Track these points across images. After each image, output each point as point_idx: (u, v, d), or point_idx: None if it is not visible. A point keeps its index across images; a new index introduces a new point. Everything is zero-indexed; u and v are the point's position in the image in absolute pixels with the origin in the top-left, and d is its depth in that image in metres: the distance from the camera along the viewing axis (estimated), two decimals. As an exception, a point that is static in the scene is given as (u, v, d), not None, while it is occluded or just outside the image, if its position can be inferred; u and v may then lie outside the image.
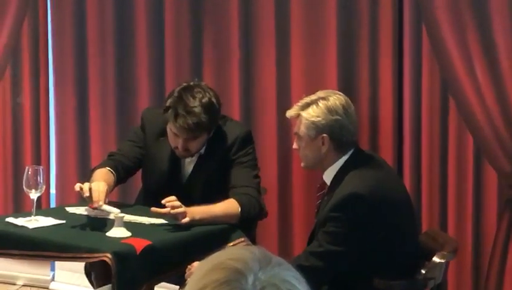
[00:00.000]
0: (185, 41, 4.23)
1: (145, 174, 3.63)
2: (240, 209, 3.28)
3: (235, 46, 4.14)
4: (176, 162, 3.50)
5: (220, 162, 3.45)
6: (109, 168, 3.45)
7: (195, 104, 3.29)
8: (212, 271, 1.15)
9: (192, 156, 3.47)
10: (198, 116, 3.28)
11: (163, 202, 3.15)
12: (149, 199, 3.49)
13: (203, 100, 3.32)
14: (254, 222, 3.78)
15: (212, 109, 3.34)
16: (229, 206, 3.30)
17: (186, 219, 3.13)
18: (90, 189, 3.18)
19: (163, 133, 3.48)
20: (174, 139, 3.39)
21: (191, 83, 3.40)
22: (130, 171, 3.59)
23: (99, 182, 3.25)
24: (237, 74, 4.14)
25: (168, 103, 3.34)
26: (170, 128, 3.37)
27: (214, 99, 3.36)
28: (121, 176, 3.51)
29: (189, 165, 3.51)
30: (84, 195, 3.19)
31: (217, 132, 3.47)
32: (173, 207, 3.13)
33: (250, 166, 3.46)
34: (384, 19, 3.82)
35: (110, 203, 3.28)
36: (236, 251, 1.19)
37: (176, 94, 3.34)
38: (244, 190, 3.35)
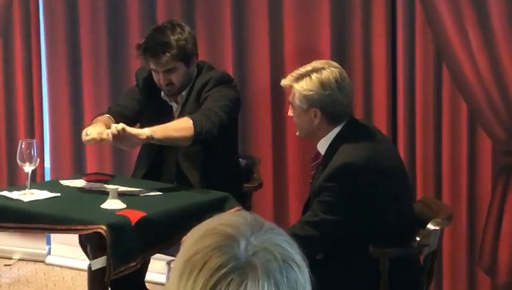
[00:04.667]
0: (177, 5, 4.21)
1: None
2: (191, 122, 3.28)
3: (227, 13, 4.12)
4: (167, 111, 3.60)
5: (196, 101, 3.52)
6: (108, 115, 3.53)
7: (163, 32, 3.49)
8: (204, 237, 1.16)
9: (179, 92, 3.55)
10: (166, 37, 3.45)
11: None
12: (151, 153, 3.63)
13: (171, 26, 3.50)
14: (249, 194, 3.79)
15: (180, 31, 3.49)
16: (180, 120, 3.35)
17: (117, 126, 3.11)
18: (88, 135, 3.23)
19: (151, 87, 3.58)
20: (156, 76, 3.52)
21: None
22: (129, 121, 3.60)
23: (95, 125, 3.33)
24: (230, 42, 4.12)
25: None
26: (150, 66, 3.50)
27: (184, 25, 3.54)
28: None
29: (177, 112, 3.59)
30: (84, 139, 3.22)
31: (199, 76, 3.57)
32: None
33: (217, 98, 3.47)
34: (377, -14, 3.80)
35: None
36: (228, 217, 1.20)
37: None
38: (200, 112, 3.38)
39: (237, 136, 3.72)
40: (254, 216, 1.19)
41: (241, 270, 1.11)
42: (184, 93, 3.57)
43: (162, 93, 3.61)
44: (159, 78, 3.51)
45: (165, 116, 3.54)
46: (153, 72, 3.54)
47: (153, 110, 3.61)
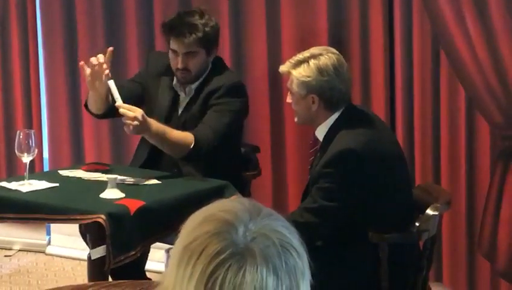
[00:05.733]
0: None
1: (146, 113, 3.65)
2: (193, 143, 3.31)
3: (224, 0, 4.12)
4: (174, 99, 3.58)
5: (202, 105, 3.50)
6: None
7: (192, 15, 3.49)
8: (203, 223, 1.16)
9: (192, 81, 3.52)
10: (195, 20, 3.45)
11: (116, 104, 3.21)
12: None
13: (199, 12, 3.51)
14: (248, 182, 3.79)
15: (208, 18, 3.48)
16: (185, 135, 3.35)
17: (135, 122, 3.14)
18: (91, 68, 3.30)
19: (165, 71, 3.57)
20: (174, 58, 3.49)
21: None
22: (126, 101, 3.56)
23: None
24: (227, 29, 4.10)
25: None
26: (170, 46, 3.48)
27: (212, 15, 3.53)
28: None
29: (183, 102, 3.57)
30: (89, 69, 3.30)
31: (212, 74, 3.54)
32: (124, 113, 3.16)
33: (224, 113, 3.46)
34: (373, -28, 3.79)
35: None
36: (226, 203, 1.20)
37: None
38: (204, 130, 3.39)
39: (242, 131, 3.71)
40: (252, 202, 1.19)
41: (240, 256, 1.11)
42: (194, 86, 3.55)
43: (174, 81, 3.59)
44: (177, 61, 3.48)
45: (171, 103, 3.55)
46: (171, 54, 3.51)
47: (161, 94, 3.59)
